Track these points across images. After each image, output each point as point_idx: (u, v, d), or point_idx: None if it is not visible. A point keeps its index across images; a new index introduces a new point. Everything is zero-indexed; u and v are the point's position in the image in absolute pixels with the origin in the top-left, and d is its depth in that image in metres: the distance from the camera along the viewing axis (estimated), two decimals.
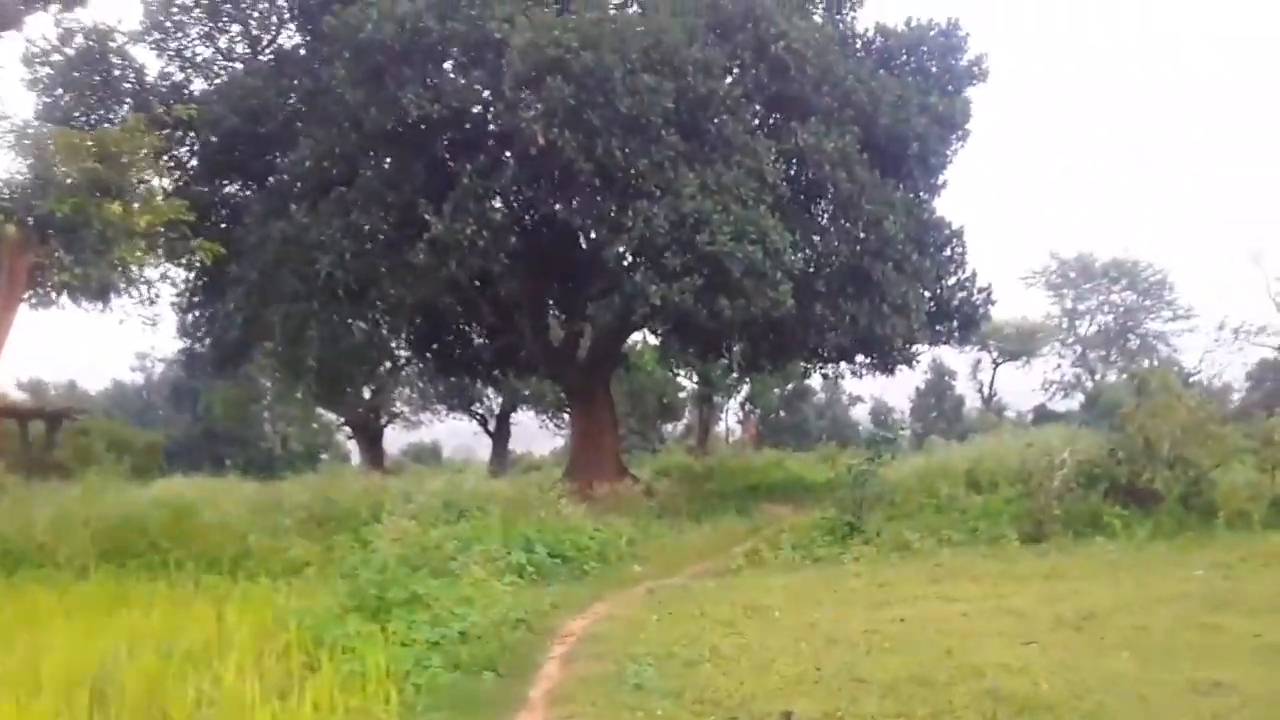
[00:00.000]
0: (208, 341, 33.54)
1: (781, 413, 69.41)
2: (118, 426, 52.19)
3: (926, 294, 28.67)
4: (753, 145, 25.23)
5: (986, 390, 74.07)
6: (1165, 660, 9.52)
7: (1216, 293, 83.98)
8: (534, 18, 24.22)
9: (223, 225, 29.65)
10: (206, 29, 30.13)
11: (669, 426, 65.51)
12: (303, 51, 30.27)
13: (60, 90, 28.52)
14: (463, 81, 25.35)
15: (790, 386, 63.26)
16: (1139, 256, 72.70)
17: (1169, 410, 20.07)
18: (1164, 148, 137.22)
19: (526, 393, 53.41)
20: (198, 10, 29.67)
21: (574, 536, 19.22)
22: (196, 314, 33.34)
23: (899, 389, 72.61)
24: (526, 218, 28.68)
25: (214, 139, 28.93)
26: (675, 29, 24.60)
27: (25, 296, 20.74)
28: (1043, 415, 63.96)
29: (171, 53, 30.26)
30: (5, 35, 23.10)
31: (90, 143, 19.87)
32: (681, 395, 59.30)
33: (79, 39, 28.53)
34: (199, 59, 30.66)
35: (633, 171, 24.18)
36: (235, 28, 30.34)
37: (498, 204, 26.53)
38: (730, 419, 69.27)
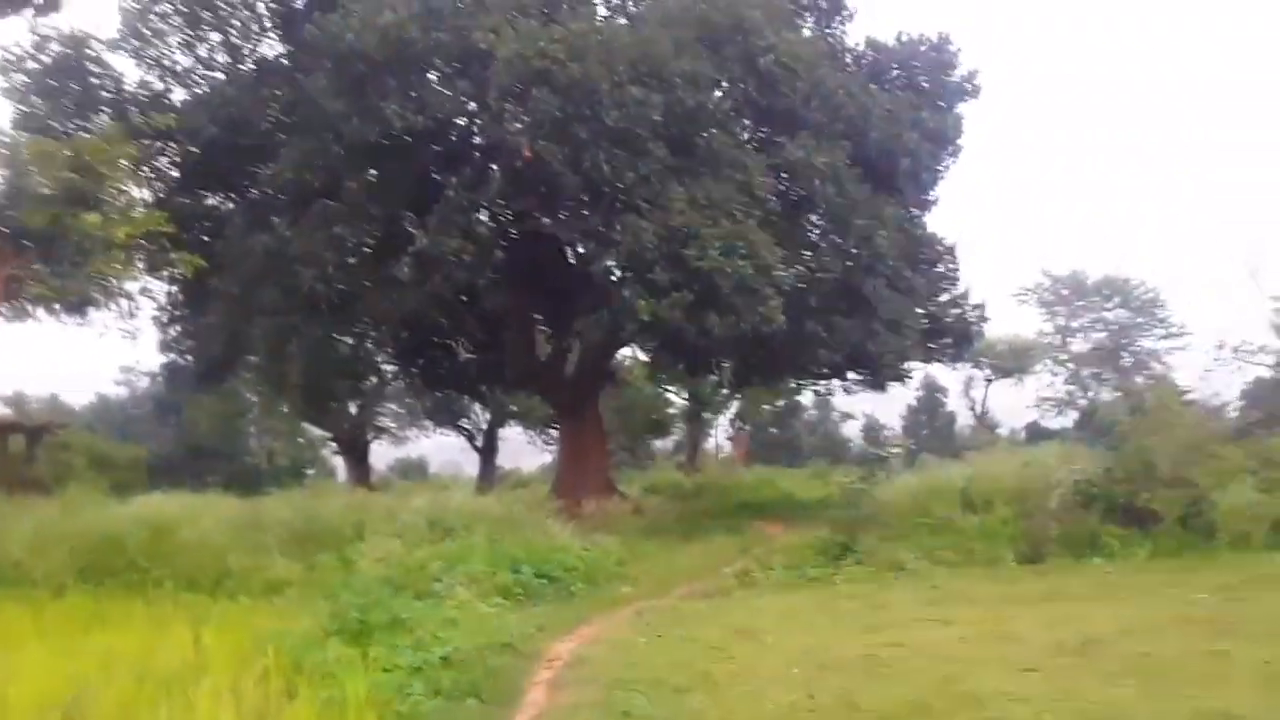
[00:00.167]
0: (190, 356, 33.15)
1: (772, 429, 69.21)
2: (99, 441, 51.73)
3: (920, 311, 28.51)
4: (742, 159, 25.02)
5: (979, 407, 73.97)
6: (1171, 689, 9.17)
7: (1212, 309, 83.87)
8: (520, 28, 24.03)
9: (203, 237, 29.34)
10: (186, 37, 29.63)
11: (658, 443, 65.28)
12: (284, 61, 29.94)
13: (35, 98, 28.09)
14: (447, 92, 25.21)
15: (781, 403, 63.05)
16: (1131, 274, 72.89)
17: (1168, 429, 19.84)
18: (1156, 164, 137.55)
19: (514, 408, 53.19)
20: (177, 18, 29.19)
21: (561, 556, 18.87)
22: (178, 328, 32.90)
23: (890, 406, 72.66)
24: (513, 231, 28.52)
25: (194, 149, 28.57)
26: (663, 41, 24.40)
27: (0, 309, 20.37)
28: (1036, 432, 63.85)
29: (150, 61, 29.79)
30: None
31: (67, 152, 19.52)
32: (671, 411, 59.07)
33: (55, 46, 28.15)
34: (178, 68, 30.16)
35: (620, 185, 23.92)
36: (215, 36, 29.83)
37: (483, 217, 26.38)
38: (720, 435, 69.04)
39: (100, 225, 19.02)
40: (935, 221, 31.16)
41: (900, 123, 27.79)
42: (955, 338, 31.30)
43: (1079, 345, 75.12)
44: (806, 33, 29.46)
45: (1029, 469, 21.02)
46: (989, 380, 72.46)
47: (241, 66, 30.23)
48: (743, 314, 23.67)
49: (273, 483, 44.93)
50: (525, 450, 63.22)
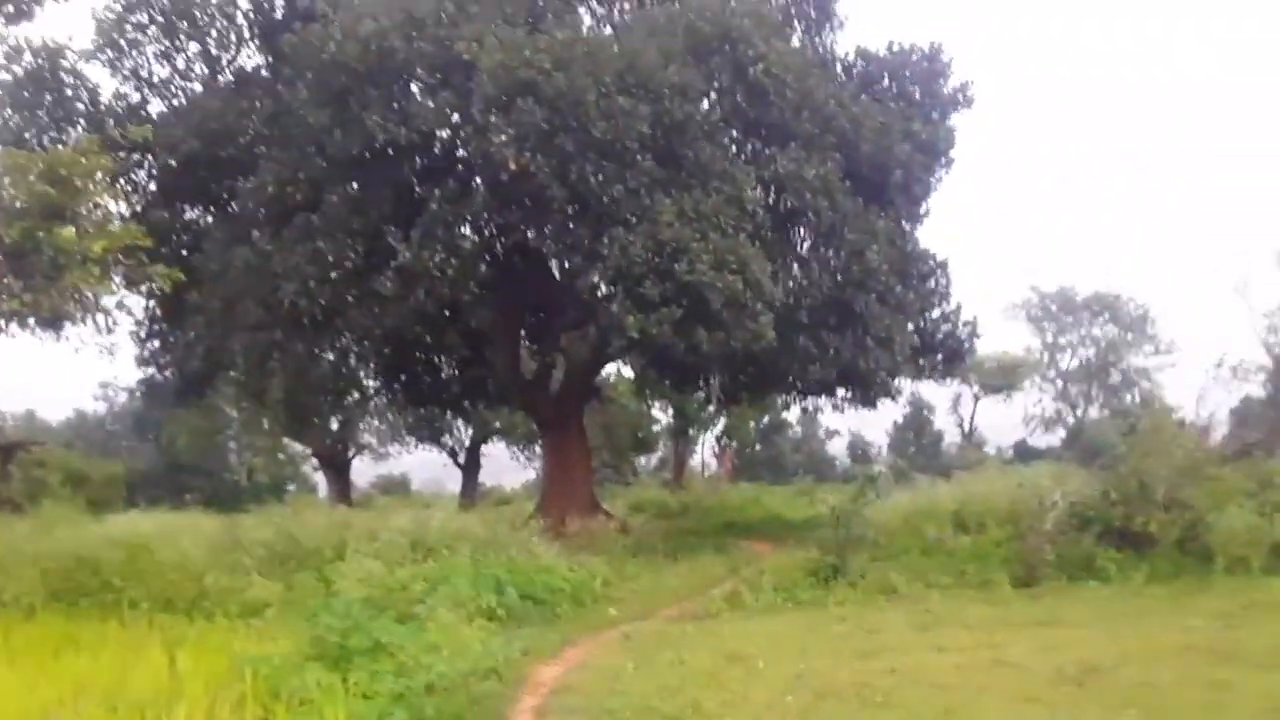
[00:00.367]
0: (168, 371, 32.86)
1: (757, 446, 69.00)
2: (76, 458, 51.53)
3: (910, 326, 28.22)
4: (731, 172, 24.65)
5: (967, 425, 73.88)
6: None
7: (1200, 325, 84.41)
8: (504, 38, 23.69)
9: (182, 251, 29.00)
10: (163, 47, 29.34)
11: (642, 460, 65.06)
12: (264, 72, 29.70)
13: (9, 110, 27.88)
14: (430, 104, 24.78)
15: (765, 419, 62.90)
16: (1120, 290, 73.14)
17: (1164, 451, 19.68)
18: (1144, 178, 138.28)
19: (497, 424, 53.22)
20: (153, 28, 28.91)
21: (546, 577, 18.76)
22: (156, 343, 32.56)
23: (876, 423, 72.64)
24: (497, 245, 28.22)
25: (172, 162, 28.24)
26: (650, 51, 24.05)
27: None
28: (1024, 451, 63.84)
29: (127, 72, 29.47)
30: None
31: (41, 165, 19.05)
32: (656, 428, 58.86)
33: (28, 57, 27.85)
34: (155, 79, 29.85)
35: (608, 198, 23.55)
36: (193, 46, 29.56)
37: (467, 231, 26.13)
38: (705, 452, 68.77)
39: (75, 239, 18.52)
40: (923, 234, 31.01)
41: (892, 134, 27.47)
42: (946, 354, 31.03)
43: (1067, 362, 75.33)
44: (795, 42, 29.20)
45: (1022, 490, 20.85)
46: (977, 397, 72.49)
47: (220, 77, 29.99)
48: (732, 330, 23.36)
49: (253, 499, 44.89)
50: (508, 467, 63.53)
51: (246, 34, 29.92)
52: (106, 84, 29.93)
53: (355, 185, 26.66)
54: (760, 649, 12.99)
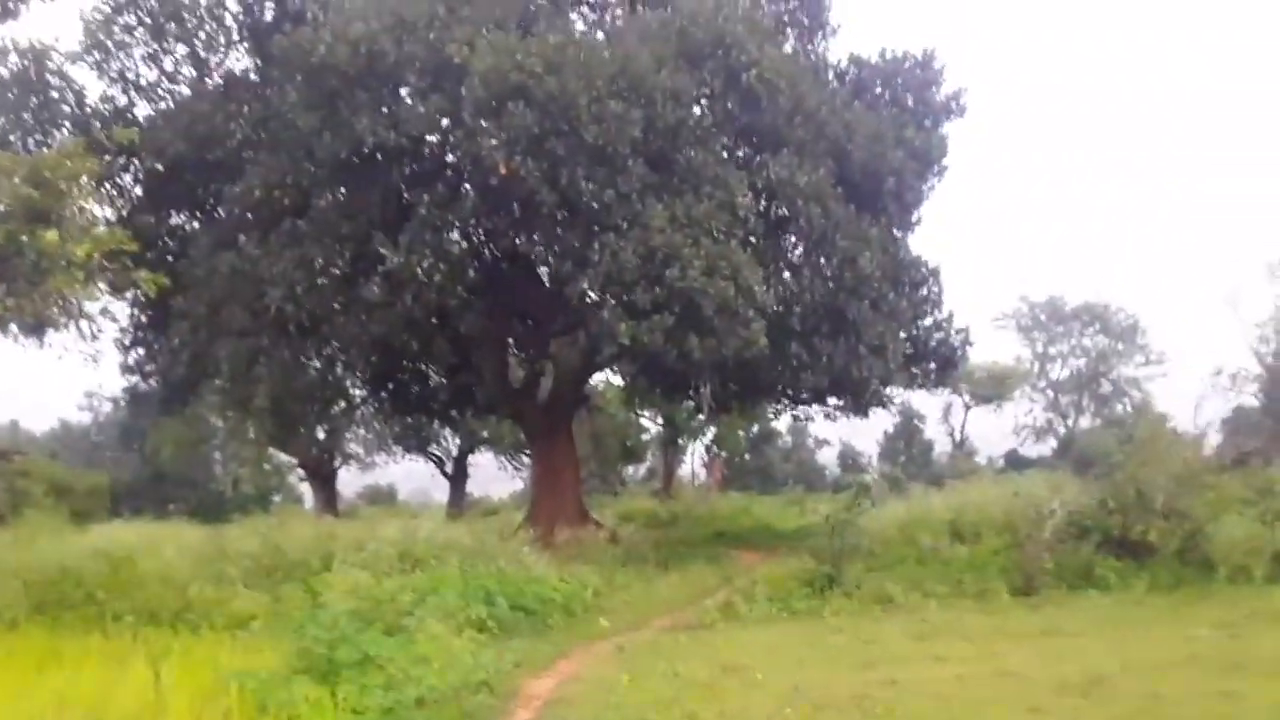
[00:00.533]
0: (152, 379, 32.50)
1: (746, 456, 68.87)
2: (60, 468, 51.21)
3: (903, 335, 28.13)
4: (724, 177, 24.50)
5: (958, 434, 73.85)
6: None
7: (1190, 336, 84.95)
8: (495, 41, 23.45)
9: (168, 257, 28.70)
10: (150, 50, 28.92)
11: (630, 469, 64.92)
12: (252, 75, 29.45)
13: None
14: (421, 107, 24.48)
15: (755, 428, 62.79)
16: (1110, 300, 73.39)
17: (1162, 459, 19.75)
18: (1135, 187, 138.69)
19: (485, 434, 53.09)
20: (141, 30, 28.52)
21: (537, 587, 18.70)
22: (140, 351, 32.18)
23: (867, 432, 72.66)
24: (486, 251, 28.06)
25: (159, 166, 28.00)
26: (643, 55, 23.85)
27: None
28: (1015, 460, 63.87)
29: (113, 74, 29.07)
30: None
31: (24, 167, 18.77)
32: (645, 438, 58.70)
33: (13, 58, 27.42)
34: (143, 81, 29.45)
35: (599, 203, 23.36)
36: (181, 49, 29.17)
37: (456, 236, 25.84)
38: (694, 462, 68.60)
39: (59, 243, 18.22)
40: (914, 243, 30.84)
41: (885, 141, 27.38)
42: (939, 362, 30.91)
43: (1057, 372, 75.49)
44: (788, 49, 29.09)
45: (1018, 499, 20.96)
46: (968, 407, 72.46)
47: (208, 80, 29.67)
48: (724, 337, 23.19)
49: (238, 510, 44.80)
50: (496, 477, 63.40)
51: (235, 36, 29.62)
52: (93, 86, 29.54)
53: (344, 190, 26.46)
54: (757, 660, 12.95)
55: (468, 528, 26.63)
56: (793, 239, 27.51)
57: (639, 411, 50.34)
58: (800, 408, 33.89)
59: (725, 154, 26.16)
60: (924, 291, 29.58)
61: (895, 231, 29.15)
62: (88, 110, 28.72)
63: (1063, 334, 74.30)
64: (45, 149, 24.72)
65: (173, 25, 28.54)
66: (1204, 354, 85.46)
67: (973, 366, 63.37)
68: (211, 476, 61.34)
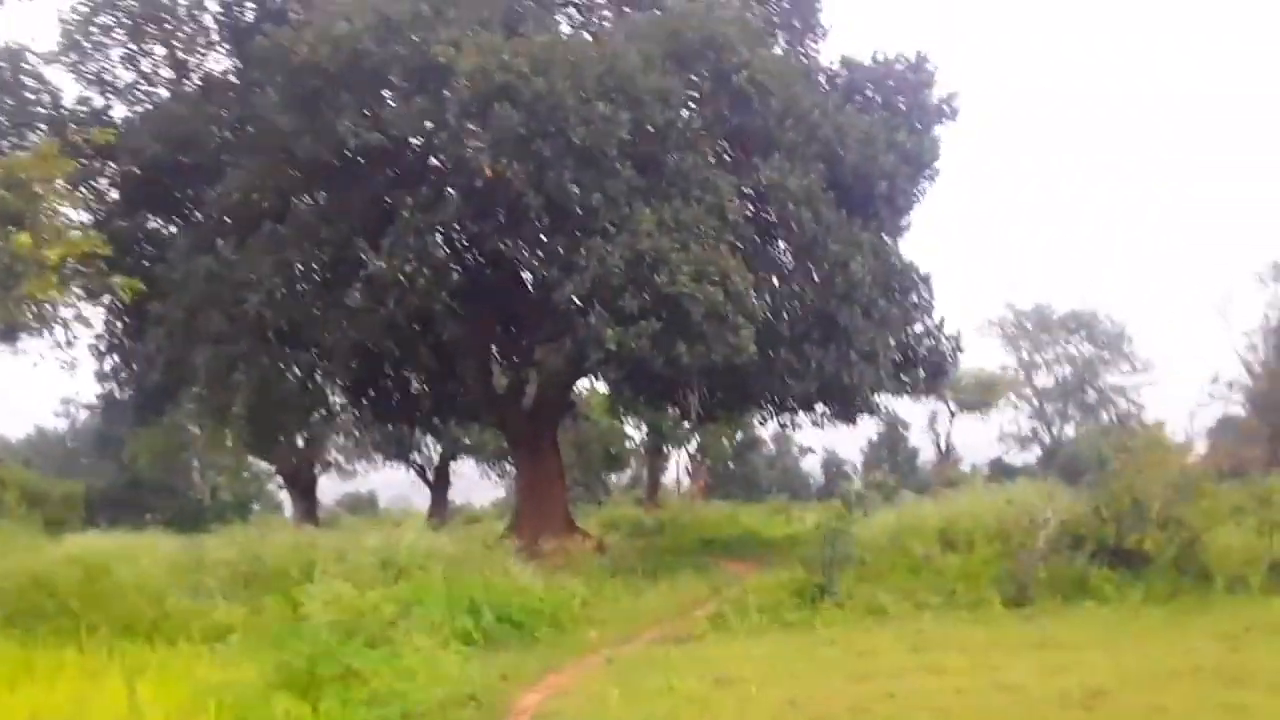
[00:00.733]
0: (128, 386, 32.37)
1: (731, 463, 68.71)
2: (34, 476, 50.68)
3: (893, 341, 27.88)
4: (713, 181, 24.43)
5: (944, 443, 73.80)
6: None
7: (1177, 343, 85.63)
8: (481, 41, 23.32)
9: (144, 261, 28.44)
10: (128, 51, 28.92)
11: (613, 477, 64.65)
12: (232, 76, 29.37)
13: None
14: (404, 109, 24.28)
15: (740, 436, 62.63)
16: (1097, 307, 73.62)
17: (1157, 467, 19.59)
18: (1122, 192, 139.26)
19: (467, 441, 52.98)
20: (119, 31, 28.52)
21: (523, 598, 18.51)
22: (116, 357, 31.99)
23: (851, 440, 72.54)
24: (470, 256, 27.84)
25: (136, 169, 27.92)
26: (631, 56, 23.77)
27: None
28: (1000, 468, 63.89)
29: (90, 76, 29.04)
30: None
31: None
32: (629, 445, 58.43)
33: None
34: (120, 83, 29.41)
35: (585, 207, 23.31)
36: (159, 50, 29.15)
37: (439, 240, 25.54)
38: (679, 469, 68.45)
39: (32, 246, 17.87)
40: (903, 248, 30.58)
41: (877, 144, 27.21)
42: (929, 369, 30.71)
43: (1043, 380, 75.61)
44: (778, 51, 28.93)
45: (1011, 507, 20.72)
46: (954, 415, 72.42)
47: (187, 82, 29.62)
48: (713, 343, 23.01)
49: (216, 519, 44.55)
50: (478, 484, 63.44)
51: (215, 37, 29.58)
52: (69, 88, 29.44)
53: (324, 193, 26.37)
54: (750, 673, 12.65)
55: (451, 537, 26.26)
56: (783, 244, 27.40)
57: (624, 419, 50.05)
58: (787, 414, 33.64)
59: (715, 157, 26.02)
60: (914, 297, 29.44)
61: (886, 237, 29.00)
62: (64, 112, 28.60)
63: (1048, 342, 74.53)
64: (19, 151, 24.40)
65: (151, 26, 28.51)
66: (1191, 361, 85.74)
67: (959, 374, 63.59)
68: (190, 485, 60.96)
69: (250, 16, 28.62)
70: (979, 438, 73.04)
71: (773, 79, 24.95)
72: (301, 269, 25.05)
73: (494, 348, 32.54)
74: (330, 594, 15.52)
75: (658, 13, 26.46)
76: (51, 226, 19.38)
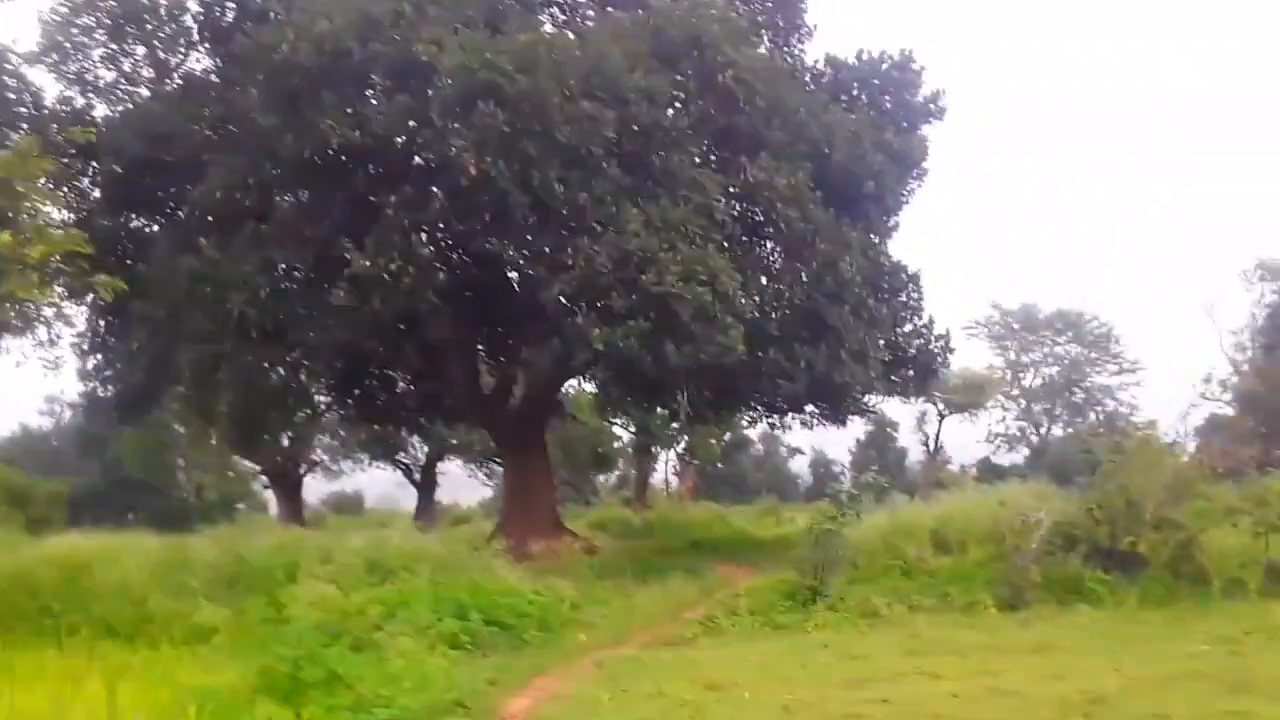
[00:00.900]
0: (111, 385, 32.19)
1: (719, 464, 68.56)
2: (16, 476, 50.31)
3: (882, 341, 27.91)
4: (700, 180, 24.37)
5: (933, 443, 73.72)
6: None
7: (1164, 343, 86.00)
8: (464, 39, 23.20)
9: (127, 260, 28.50)
10: (109, 50, 28.81)
11: (601, 478, 64.50)
12: (213, 75, 29.28)
13: None
14: (387, 107, 24.19)
15: (728, 436, 62.47)
16: (1084, 308, 73.74)
17: (1152, 468, 19.26)
18: (1115, 194, 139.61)
19: (454, 441, 52.83)
20: (100, 30, 28.44)
21: (512, 600, 18.07)
22: (99, 356, 31.87)
23: (839, 441, 72.52)
24: (455, 255, 27.68)
25: (117, 168, 27.84)
26: (616, 54, 23.70)
27: None
28: (988, 468, 63.87)
29: (71, 76, 28.91)
30: None
31: None
32: (617, 445, 58.26)
33: None
34: (101, 83, 29.28)
35: (572, 206, 23.21)
36: (140, 49, 29.06)
37: (424, 239, 25.46)
38: (667, 470, 68.28)
39: (14, 245, 17.70)
40: (892, 248, 30.67)
41: (864, 143, 27.20)
42: (919, 369, 30.68)
43: (1030, 380, 75.68)
44: (763, 50, 28.85)
45: (1004, 508, 20.31)
46: (942, 415, 72.34)
47: (168, 81, 29.48)
48: (702, 343, 22.93)
49: (201, 519, 44.24)
50: (465, 484, 63.35)
51: (196, 36, 29.47)
52: (50, 88, 29.31)
53: (307, 192, 26.30)
54: (742, 677, 12.55)
55: (438, 537, 26.12)
56: (771, 243, 27.43)
57: (612, 419, 49.93)
58: (776, 415, 33.55)
59: (701, 157, 26.03)
60: (904, 297, 29.53)
61: (874, 236, 28.99)
62: (45, 112, 28.36)
63: (1035, 342, 74.68)
64: (1, 150, 24.19)
65: (132, 26, 28.40)
66: (1179, 361, 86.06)
67: (948, 374, 63.58)
68: (175, 484, 60.58)
69: (231, 16, 28.57)
70: (966, 438, 73.23)
71: (758, 78, 24.89)
72: (285, 268, 25.02)
73: (481, 347, 32.53)
74: (315, 595, 15.66)
75: (641, 12, 26.34)
76: (33, 225, 19.30)
